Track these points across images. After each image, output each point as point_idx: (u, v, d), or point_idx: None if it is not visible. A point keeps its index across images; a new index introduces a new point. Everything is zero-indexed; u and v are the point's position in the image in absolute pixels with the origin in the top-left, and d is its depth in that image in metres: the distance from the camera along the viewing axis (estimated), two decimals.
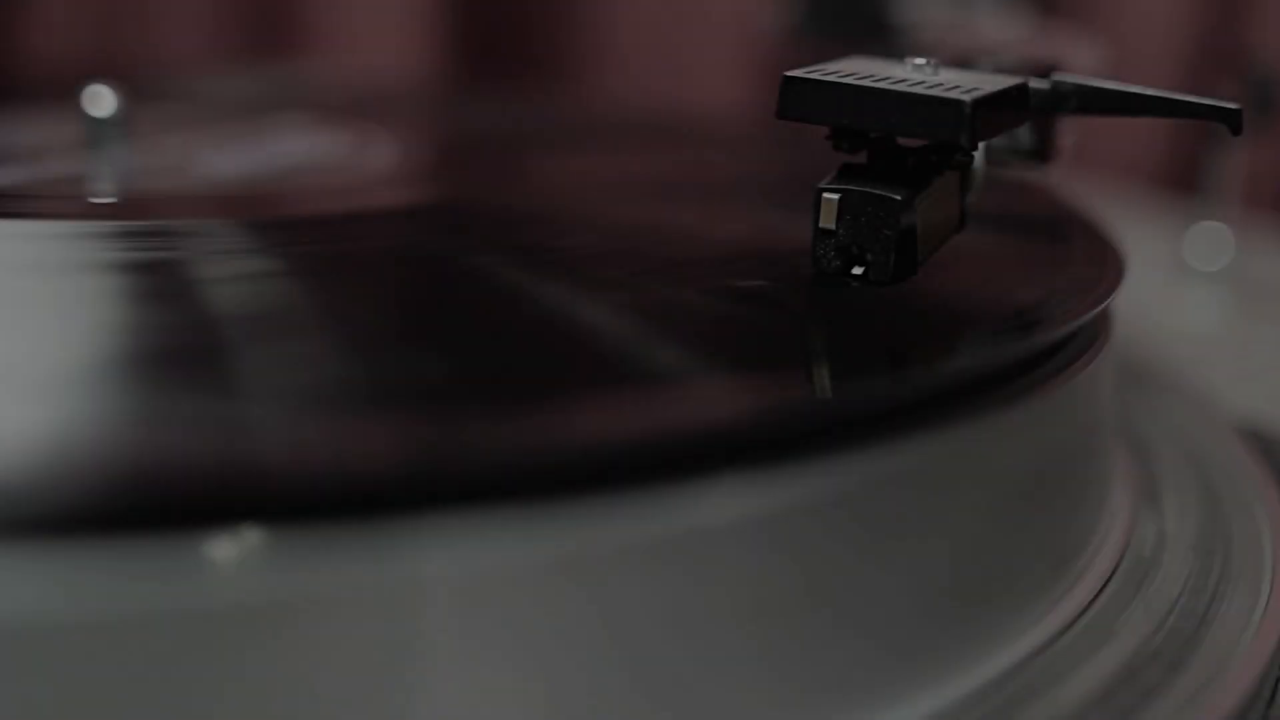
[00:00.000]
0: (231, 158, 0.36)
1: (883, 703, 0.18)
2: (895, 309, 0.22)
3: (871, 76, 0.22)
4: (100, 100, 0.33)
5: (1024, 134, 0.27)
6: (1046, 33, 0.41)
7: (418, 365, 0.19)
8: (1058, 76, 0.23)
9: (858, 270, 0.22)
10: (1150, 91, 0.23)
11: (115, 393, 0.18)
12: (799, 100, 0.22)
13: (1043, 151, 0.27)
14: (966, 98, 0.21)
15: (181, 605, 0.14)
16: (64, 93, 0.35)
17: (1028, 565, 0.21)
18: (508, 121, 0.45)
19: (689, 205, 0.31)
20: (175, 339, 0.20)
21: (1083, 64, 0.31)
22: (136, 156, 0.34)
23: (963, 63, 0.26)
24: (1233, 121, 0.22)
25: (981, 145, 0.24)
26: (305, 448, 0.16)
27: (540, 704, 0.16)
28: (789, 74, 0.22)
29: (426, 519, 0.15)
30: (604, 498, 0.16)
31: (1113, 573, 0.22)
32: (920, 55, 0.23)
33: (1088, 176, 0.55)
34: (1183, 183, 0.63)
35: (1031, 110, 0.23)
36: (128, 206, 0.31)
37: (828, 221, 0.22)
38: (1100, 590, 0.22)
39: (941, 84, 0.22)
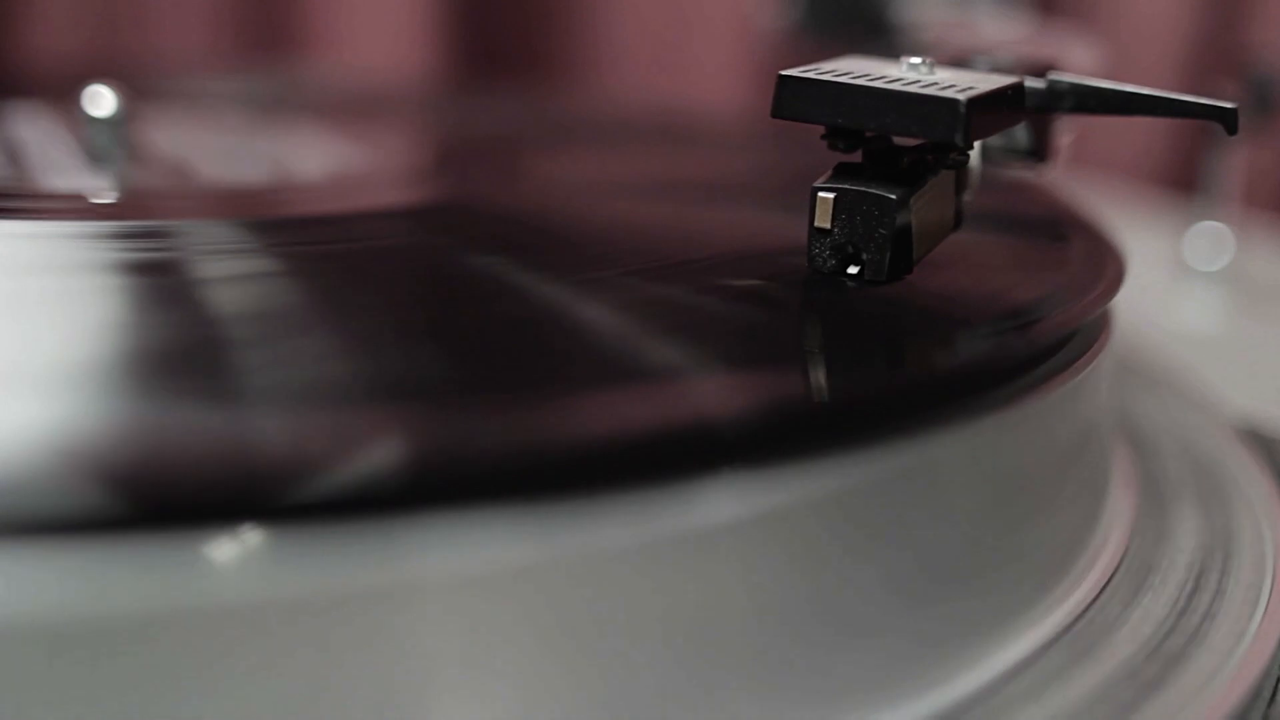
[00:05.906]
0: (232, 157, 0.36)
1: (882, 703, 0.18)
2: (891, 308, 0.22)
3: (867, 75, 0.22)
4: (100, 100, 0.33)
5: (1021, 133, 0.27)
6: (1044, 32, 0.41)
7: (417, 365, 0.19)
8: (1054, 76, 0.23)
9: (853, 269, 0.22)
10: (1146, 91, 0.23)
11: (114, 393, 0.18)
12: (794, 99, 0.22)
13: (1040, 151, 0.27)
14: (961, 97, 0.21)
15: (181, 605, 0.14)
16: (64, 92, 0.35)
17: (1028, 564, 0.21)
18: (508, 121, 0.45)
19: (687, 205, 0.31)
20: (174, 339, 0.20)
21: (1080, 63, 0.31)
22: (136, 156, 0.34)
23: (959, 62, 0.26)
24: (1229, 121, 0.22)
25: (978, 145, 0.24)
26: (304, 447, 0.16)
27: (538, 704, 0.16)
28: (784, 73, 0.22)
29: (425, 518, 0.15)
30: (603, 497, 0.16)
31: (1114, 572, 0.22)
32: (916, 54, 0.23)
33: (1088, 176, 0.55)
34: (1183, 183, 0.63)
35: (1028, 110, 0.23)
36: (128, 206, 0.31)
37: (823, 220, 0.22)
38: (1101, 589, 0.22)
39: (937, 83, 0.22)
